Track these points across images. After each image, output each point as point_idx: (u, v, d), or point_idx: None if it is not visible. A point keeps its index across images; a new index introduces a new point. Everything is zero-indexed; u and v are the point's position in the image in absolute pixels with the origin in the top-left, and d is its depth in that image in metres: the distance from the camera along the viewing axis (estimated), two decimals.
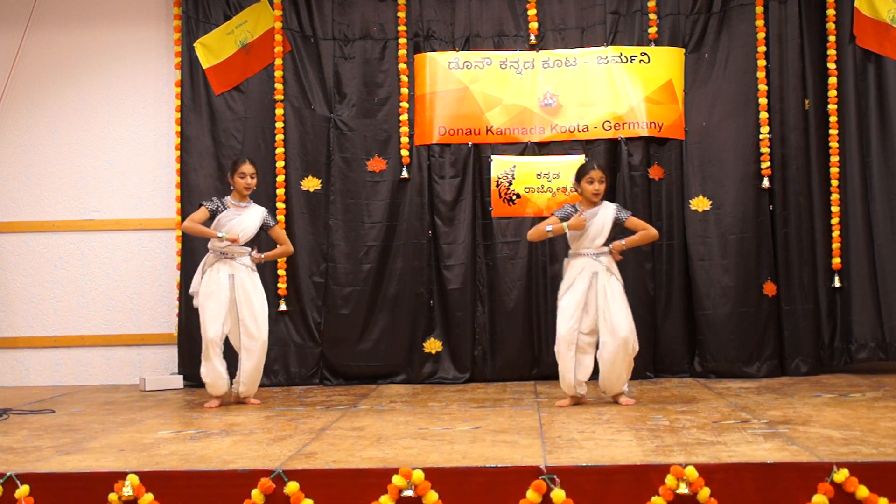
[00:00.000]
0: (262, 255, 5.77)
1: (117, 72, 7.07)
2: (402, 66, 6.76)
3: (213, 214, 5.61)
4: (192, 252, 6.60)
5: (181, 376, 6.59)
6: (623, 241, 5.30)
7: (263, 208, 5.79)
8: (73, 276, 7.02)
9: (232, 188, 5.70)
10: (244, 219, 5.64)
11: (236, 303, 5.58)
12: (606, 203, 5.35)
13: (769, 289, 6.48)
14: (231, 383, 5.67)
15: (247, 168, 5.64)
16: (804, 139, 6.55)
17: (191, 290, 5.73)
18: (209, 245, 5.70)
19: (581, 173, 5.33)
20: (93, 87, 7.08)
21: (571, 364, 5.23)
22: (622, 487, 3.55)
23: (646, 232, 5.37)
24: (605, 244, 5.28)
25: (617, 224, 5.30)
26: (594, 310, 5.22)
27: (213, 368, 5.54)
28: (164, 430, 4.76)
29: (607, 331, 5.19)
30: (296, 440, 4.33)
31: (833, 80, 6.58)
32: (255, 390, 5.74)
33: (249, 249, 5.70)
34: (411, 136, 6.73)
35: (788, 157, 6.54)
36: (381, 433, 4.48)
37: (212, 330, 5.49)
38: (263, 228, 5.74)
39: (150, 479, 3.64)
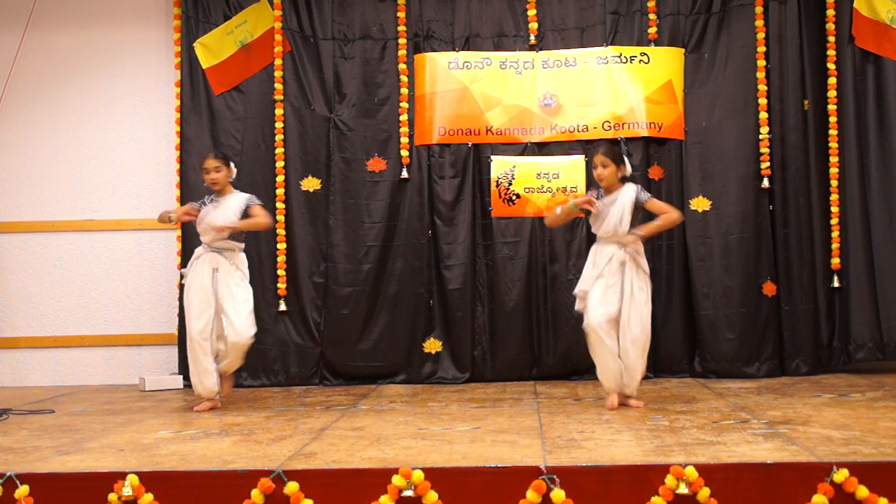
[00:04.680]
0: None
1: (117, 72, 7.07)
2: (402, 66, 6.75)
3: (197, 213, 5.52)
4: (192, 252, 6.59)
5: (181, 376, 6.58)
6: (641, 231, 5.04)
7: (248, 195, 5.57)
8: (73, 276, 7.01)
9: None
10: (222, 210, 5.48)
11: (217, 299, 5.39)
12: (628, 185, 5.14)
13: (769, 289, 6.48)
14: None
15: (208, 163, 5.52)
16: (803, 139, 6.55)
17: (182, 270, 5.62)
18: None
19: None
20: (93, 87, 7.07)
21: (613, 349, 4.99)
22: (622, 487, 3.55)
23: (667, 216, 5.09)
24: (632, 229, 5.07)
25: (639, 207, 5.09)
26: (620, 300, 5.02)
27: (200, 367, 5.37)
28: (164, 430, 4.76)
29: (622, 326, 5.03)
30: (295, 440, 4.34)
31: (832, 80, 6.58)
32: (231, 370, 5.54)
33: (239, 244, 5.54)
34: (411, 136, 6.72)
35: (788, 158, 6.54)
36: (380, 433, 4.48)
37: (196, 326, 5.35)
38: (246, 211, 5.51)
39: (149, 479, 3.65)
